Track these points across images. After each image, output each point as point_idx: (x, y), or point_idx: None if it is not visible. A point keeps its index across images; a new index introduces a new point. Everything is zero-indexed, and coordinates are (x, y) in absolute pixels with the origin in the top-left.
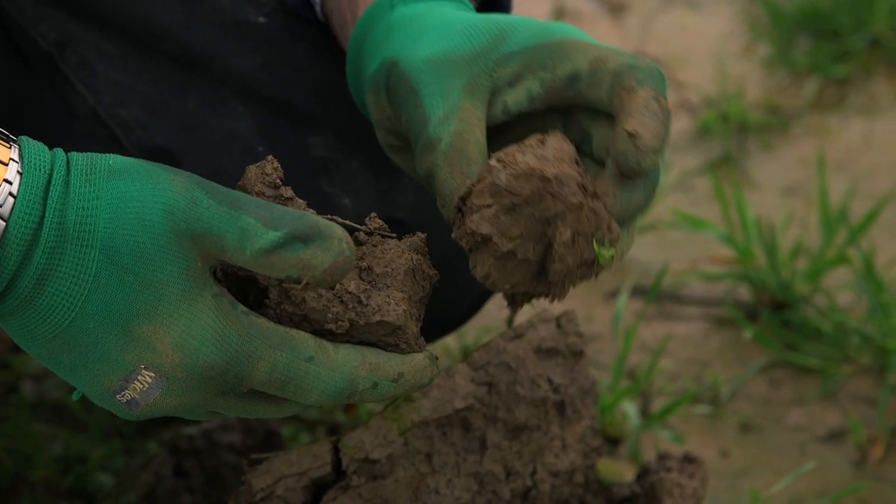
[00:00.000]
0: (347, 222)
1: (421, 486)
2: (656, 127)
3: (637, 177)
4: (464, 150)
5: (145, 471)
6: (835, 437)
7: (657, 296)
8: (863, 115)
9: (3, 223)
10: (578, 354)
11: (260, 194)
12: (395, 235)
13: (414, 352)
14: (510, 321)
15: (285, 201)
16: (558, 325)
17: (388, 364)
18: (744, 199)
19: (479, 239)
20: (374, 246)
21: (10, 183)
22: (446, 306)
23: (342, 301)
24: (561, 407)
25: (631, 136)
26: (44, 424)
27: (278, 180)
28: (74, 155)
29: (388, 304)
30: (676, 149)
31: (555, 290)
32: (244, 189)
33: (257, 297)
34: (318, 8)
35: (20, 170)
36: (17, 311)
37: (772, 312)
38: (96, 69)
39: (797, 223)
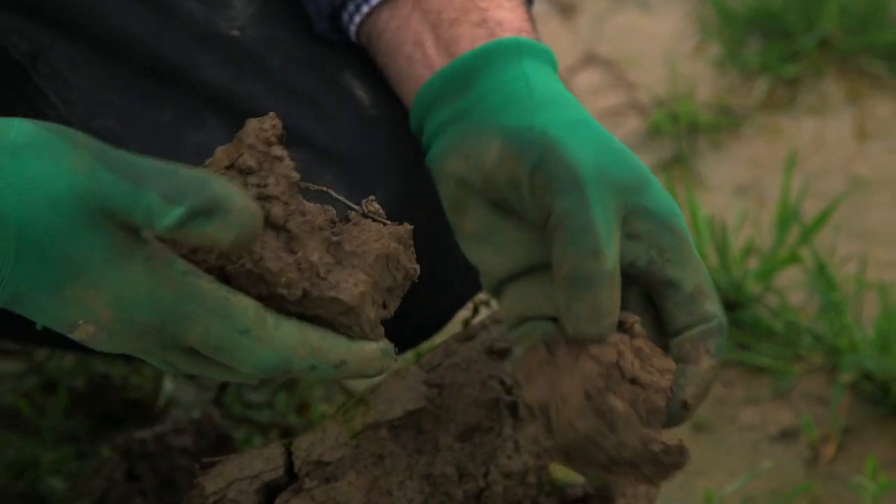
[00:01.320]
0: (341, 198)
1: (373, 489)
2: (703, 398)
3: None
4: (618, 284)
5: (98, 475)
6: (787, 436)
7: None
8: (813, 115)
9: None
10: None
11: (251, 147)
12: (387, 222)
13: (366, 339)
14: (466, 323)
15: (273, 160)
16: None
17: (331, 349)
18: (695, 199)
19: None
20: (354, 225)
21: None
22: (425, 308)
23: (300, 269)
24: (513, 408)
25: (686, 406)
26: None
27: (273, 137)
28: None
29: (347, 283)
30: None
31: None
32: (239, 140)
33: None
34: (353, 27)
35: None
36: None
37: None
38: (69, 80)
39: (749, 223)
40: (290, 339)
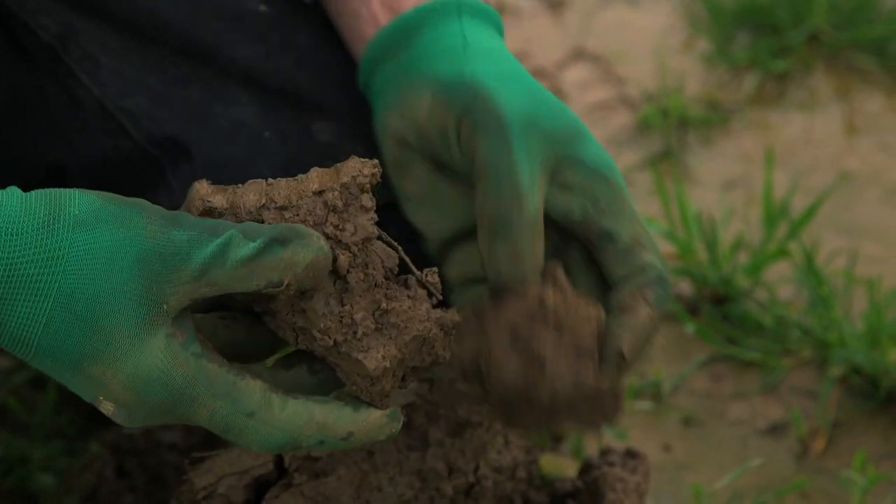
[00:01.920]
0: (408, 260)
1: (363, 484)
2: (642, 350)
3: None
4: (541, 231)
5: (87, 471)
6: (776, 430)
7: None
8: (802, 110)
9: None
10: None
11: (344, 187)
12: (440, 297)
13: (374, 406)
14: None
15: (359, 209)
16: None
17: (337, 423)
18: (684, 194)
19: None
20: (409, 298)
21: None
22: None
23: (341, 321)
24: None
25: (622, 356)
26: None
27: (368, 185)
28: (33, 197)
29: (377, 353)
30: (616, 144)
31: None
32: (336, 172)
33: (267, 302)
34: None
35: None
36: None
37: (713, 307)
38: (100, 61)
39: (738, 218)
40: (296, 418)
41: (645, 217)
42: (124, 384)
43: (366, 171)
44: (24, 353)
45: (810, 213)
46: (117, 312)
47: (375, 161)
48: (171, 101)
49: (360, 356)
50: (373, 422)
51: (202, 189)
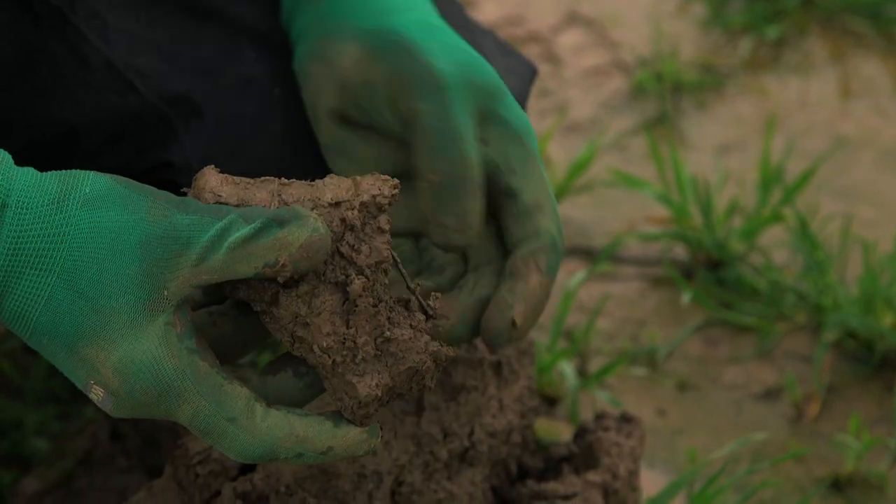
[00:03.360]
0: (415, 292)
1: None
2: (533, 317)
3: (496, 346)
4: (484, 192)
5: (81, 435)
6: (771, 394)
7: (593, 256)
8: (797, 74)
9: None
10: None
11: (363, 206)
12: (440, 323)
13: (354, 424)
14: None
15: (375, 230)
16: None
17: (317, 438)
18: (679, 159)
19: None
20: (409, 327)
21: None
22: None
23: (343, 343)
24: (498, 367)
25: (515, 325)
26: None
27: (386, 205)
28: (48, 177)
29: (370, 381)
30: (611, 109)
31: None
32: (356, 185)
33: (274, 294)
34: None
35: None
36: None
37: (707, 271)
38: (107, 20)
39: (732, 182)
40: (276, 430)
41: (641, 180)
42: (115, 368)
43: (386, 192)
44: (20, 329)
45: (805, 177)
46: (119, 295)
47: (396, 182)
48: (180, 59)
49: (354, 380)
50: (353, 438)
51: (212, 179)
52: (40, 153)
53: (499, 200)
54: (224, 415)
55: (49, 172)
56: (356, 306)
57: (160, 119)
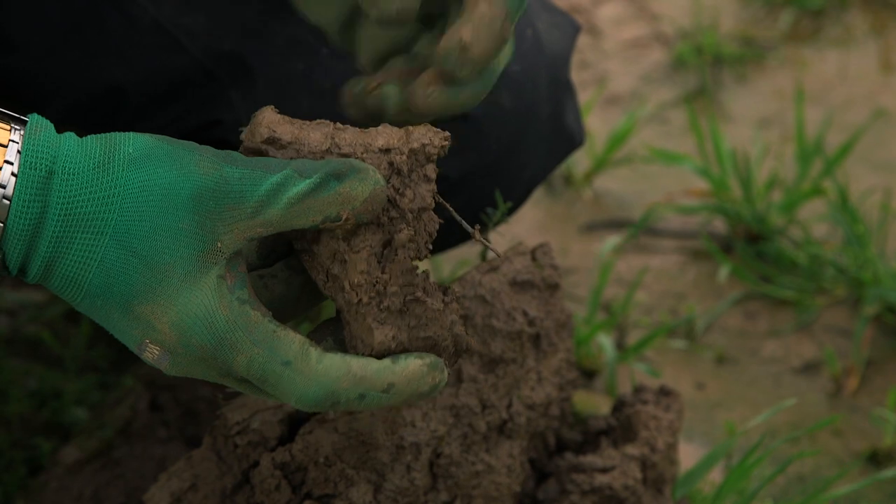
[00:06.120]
0: (476, 233)
1: (397, 420)
2: (489, 44)
3: (452, 83)
4: None
5: (121, 405)
6: (810, 368)
7: (633, 228)
8: (838, 47)
9: (1, 224)
10: (554, 287)
11: (413, 152)
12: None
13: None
14: (484, 255)
15: (422, 177)
16: (533, 258)
17: (376, 375)
18: (719, 132)
19: None
20: (442, 301)
21: (11, 164)
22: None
23: (374, 285)
24: (536, 340)
25: (461, 43)
26: (18, 359)
27: (435, 155)
28: (90, 141)
29: (389, 331)
30: (651, 81)
31: None
32: (407, 133)
33: (316, 233)
34: None
35: (14, 171)
36: (40, 285)
37: (747, 245)
38: None
39: (772, 155)
40: (333, 370)
41: (680, 155)
42: (172, 323)
43: (436, 142)
44: (73, 294)
45: (845, 150)
46: (173, 249)
47: (447, 134)
48: (228, 19)
49: (373, 324)
50: (413, 370)
51: (269, 116)
52: (85, 115)
53: None
54: (279, 359)
55: (89, 136)
56: (396, 254)
57: (208, 77)
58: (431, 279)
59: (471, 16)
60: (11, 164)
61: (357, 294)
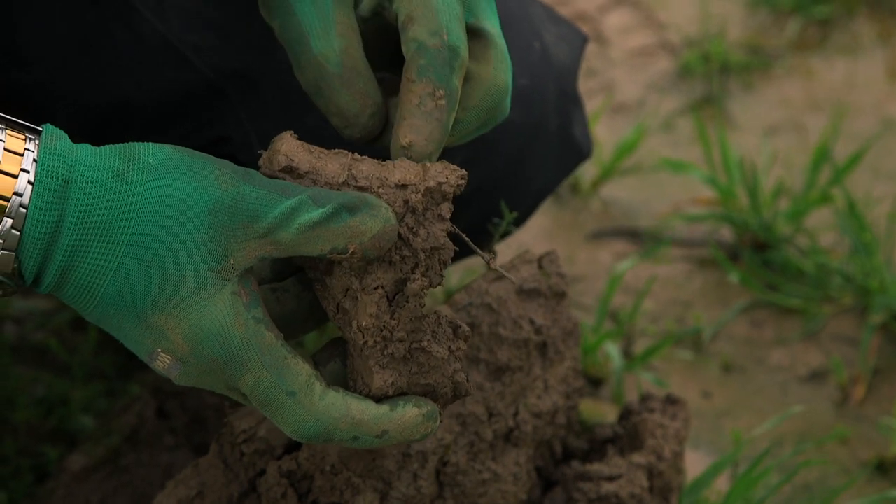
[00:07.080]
0: (491, 262)
1: None
2: (429, 130)
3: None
4: (356, 69)
5: (128, 412)
6: (817, 377)
7: (639, 237)
8: (845, 55)
9: (18, 232)
10: (561, 295)
11: (429, 191)
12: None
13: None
14: (489, 264)
15: (437, 217)
16: (540, 266)
17: (373, 422)
18: (726, 140)
19: None
20: (448, 349)
21: (27, 171)
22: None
23: (381, 330)
24: (543, 348)
25: (403, 147)
26: (25, 367)
27: (451, 194)
28: (109, 151)
29: (389, 377)
30: (658, 90)
31: None
32: (424, 170)
33: (329, 264)
34: None
35: (31, 179)
36: (52, 294)
37: (754, 253)
38: None
39: (779, 164)
40: (333, 410)
41: (687, 164)
42: (186, 334)
43: (452, 180)
44: (85, 303)
45: (854, 159)
46: (188, 262)
47: (463, 172)
48: (235, 34)
49: (375, 367)
50: (409, 420)
51: (288, 143)
52: (94, 129)
53: (395, 30)
54: (284, 388)
55: (107, 146)
56: (407, 301)
57: (216, 93)
58: (445, 316)
59: (404, 107)
60: (28, 172)
61: (363, 336)
